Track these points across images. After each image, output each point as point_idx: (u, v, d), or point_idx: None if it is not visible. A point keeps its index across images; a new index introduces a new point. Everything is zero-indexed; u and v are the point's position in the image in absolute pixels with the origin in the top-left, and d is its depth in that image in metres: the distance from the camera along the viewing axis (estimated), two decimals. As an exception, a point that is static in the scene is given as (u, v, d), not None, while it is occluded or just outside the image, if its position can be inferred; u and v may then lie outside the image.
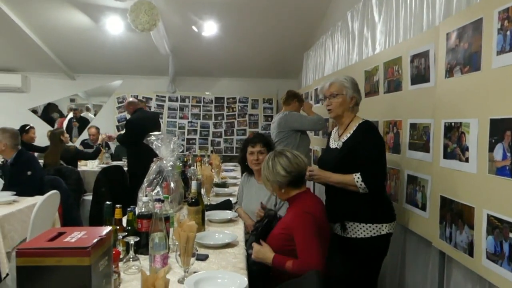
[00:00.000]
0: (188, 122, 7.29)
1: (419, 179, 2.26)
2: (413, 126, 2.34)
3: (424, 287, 2.29)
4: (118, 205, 1.78)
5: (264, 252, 1.93)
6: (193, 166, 3.96)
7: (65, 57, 6.66)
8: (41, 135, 6.00)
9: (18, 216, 2.90)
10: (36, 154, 4.72)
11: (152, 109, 7.08)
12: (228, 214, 2.60)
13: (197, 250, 1.64)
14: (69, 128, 7.24)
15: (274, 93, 7.28)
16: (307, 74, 5.99)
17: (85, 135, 6.93)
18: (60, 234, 1.11)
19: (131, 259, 1.69)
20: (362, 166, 2.07)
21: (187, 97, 7.28)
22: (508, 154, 1.52)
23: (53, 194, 3.07)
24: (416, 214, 2.29)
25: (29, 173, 3.50)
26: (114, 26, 5.52)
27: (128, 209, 1.88)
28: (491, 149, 1.62)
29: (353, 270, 2.12)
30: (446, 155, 1.96)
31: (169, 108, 7.26)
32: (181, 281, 1.55)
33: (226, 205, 2.78)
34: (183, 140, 7.10)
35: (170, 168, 2.45)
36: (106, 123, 7.05)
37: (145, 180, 2.40)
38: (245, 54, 6.44)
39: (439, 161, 2.02)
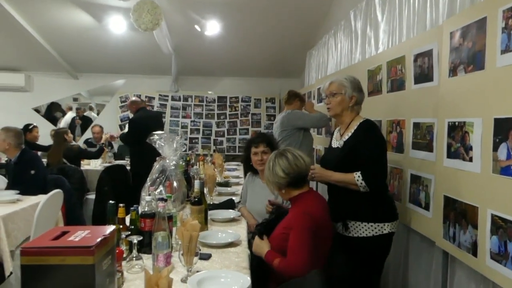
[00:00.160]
0: (191, 121, 7.30)
1: (423, 179, 2.26)
2: (416, 125, 2.34)
3: (427, 287, 2.29)
4: (121, 204, 1.78)
5: (261, 246, 1.96)
6: (196, 165, 3.96)
7: (68, 56, 6.68)
8: (45, 134, 6.02)
9: (21, 215, 2.91)
10: (39, 153, 4.74)
11: (155, 109, 7.10)
12: (231, 213, 2.60)
13: (200, 250, 1.64)
14: (72, 127, 7.26)
15: (277, 92, 7.28)
16: (309, 73, 5.99)
17: (88, 134, 6.95)
18: (64, 233, 1.11)
19: (134, 258, 1.69)
20: (363, 165, 2.07)
21: (190, 97, 7.29)
22: (512, 154, 1.51)
23: (56, 193, 3.08)
24: (419, 214, 2.28)
25: (32, 172, 3.52)
26: (117, 26, 5.53)
27: (131, 208, 1.88)
28: (495, 148, 1.61)
29: (355, 269, 2.11)
30: (450, 155, 1.95)
31: (171, 108, 7.27)
32: (184, 280, 1.55)
33: (229, 205, 2.78)
34: (185, 139, 7.10)
35: (173, 167, 2.46)
36: (109, 122, 7.07)
37: (148, 179, 2.41)
38: (248, 53, 6.44)
39: (442, 160, 2.02)
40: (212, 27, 5.59)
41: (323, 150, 4.43)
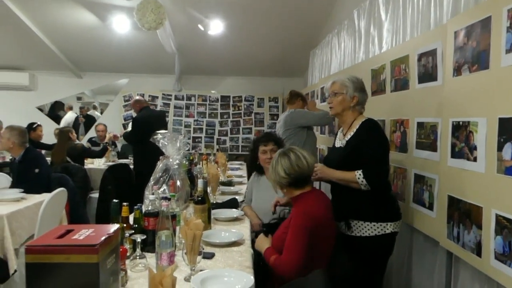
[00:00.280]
0: (194, 120, 7.31)
1: (426, 178, 2.25)
2: (420, 125, 2.33)
3: (431, 287, 2.28)
4: (125, 203, 1.79)
5: (263, 243, 1.99)
6: (199, 164, 3.97)
7: (72, 55, 6.70)
8: (48, 133, 6.04)
9: (25, 213, 2.93)
10: (43, 151, 4.76)
11: (158, 108, 7.11)
12: (234, 212, 2.61)
13: (203, 248, 1.64)
14: (75, 126, 7.28)
15: (280, 92, 7.27)
16: (313, 73, 5.98)
17: (92, 133, 6.97)
18: (68, 231, 1.11)
19: (138, 257, 1.69)
20: (366, 163, 2.07)
21: (193, 96, 7.30)
22: (517, 154, 1.50)
23: (60, 192, 3.09)
24: (423, 214, 2.28)
25: (36, 170, 3.53)
26: (121, 25, 5.54)
27: (135, 207, 1.88)
28: (500, 148, 1.60)
29: (358, 268, 2.11)
30: (454, 154, 1.94)
31: (175, 107, 7.28)
32: (187, 279, 1.56)
33: (232, 204, 2.78)
34: (189, 138, 7.11)
35: (176, 166, 2.46)
36: (112, 121, 7.09)
37: (151, 178, 2.41)
38: (251, 53, 6.43)
39: (446, 160, 2.01)
40: (216, 27, 5.59)
41: (326, 149, 4.43)
